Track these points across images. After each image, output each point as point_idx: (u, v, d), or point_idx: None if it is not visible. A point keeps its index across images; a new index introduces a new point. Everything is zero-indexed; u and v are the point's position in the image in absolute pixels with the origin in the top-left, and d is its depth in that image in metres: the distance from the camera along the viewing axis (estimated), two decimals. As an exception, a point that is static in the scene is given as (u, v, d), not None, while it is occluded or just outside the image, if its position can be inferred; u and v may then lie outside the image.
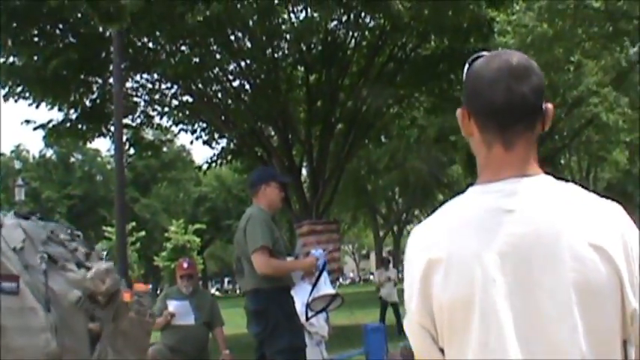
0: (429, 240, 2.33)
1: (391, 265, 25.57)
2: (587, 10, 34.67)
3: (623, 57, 41.93)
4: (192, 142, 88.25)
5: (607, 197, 2.49)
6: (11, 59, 23.83)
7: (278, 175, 8.35)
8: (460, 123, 2.47)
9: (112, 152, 32.20)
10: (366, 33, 26.25)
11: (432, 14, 23.21)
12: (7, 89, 24.10)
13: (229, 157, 29.95)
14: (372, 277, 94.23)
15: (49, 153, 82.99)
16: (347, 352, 14.92)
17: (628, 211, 2.54)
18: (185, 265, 10.72)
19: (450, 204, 2.42)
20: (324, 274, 8.01)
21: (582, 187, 2.46)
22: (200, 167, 33.39)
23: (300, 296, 8.37)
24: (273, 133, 27.97)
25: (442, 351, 2.29)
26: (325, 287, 8.15)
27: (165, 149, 63.06)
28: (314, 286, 8.06)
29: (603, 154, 51.81)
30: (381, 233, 71.31)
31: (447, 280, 2.21)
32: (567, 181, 2.39)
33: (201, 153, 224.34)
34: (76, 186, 78.44)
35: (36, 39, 23.40)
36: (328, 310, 8.72)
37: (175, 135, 39.21)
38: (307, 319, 8.39)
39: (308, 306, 8.08)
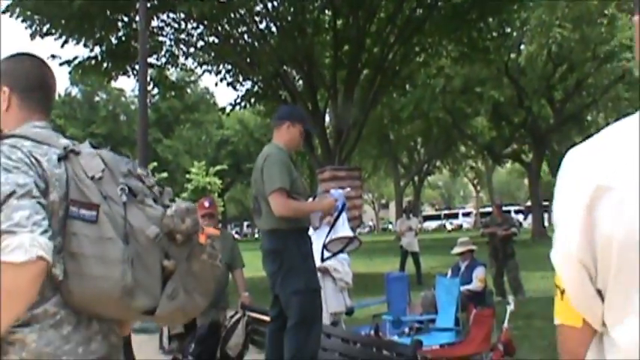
0: (594, 164, 1.99)
1: (412, 215, 25.37)
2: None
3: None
4: (216, 84, 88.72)
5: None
6: None
7: (306, 120, 8.00)
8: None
9: (137, 92, 31.97)
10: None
11: None
12: (33, 27, 23.94)
13: (253, 100, 29.88)
14: (390, 226, 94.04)
15: (75, 91, 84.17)
16: (368, 299, 14.76)
17: None
18: (206, 203, 10.45)
19: (613, 128, 2.07)
20: (343, 215, 7.80)
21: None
22: (224, 109, 33.40)
23: (320, 238, 8.23)
24: (298, 76, 27.72)
25: (599, 293, 2.01)
26: (343, 229, 7.95)
27: (188, 91, 63.59)
28: (332, 227, 7.90)
29: (632, 111, 50.95)
30: (402, 183, 70.88)
31: (621, 211, 1.89)
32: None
33: (224, 96, 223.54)
34: (100, 125, 79.18)
35: None
36: (345, 252, 8.45)
37: (199, 76, 39.23)
38: (322, 260, 8.24)
39: (325, 247, 7.92)
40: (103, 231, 2.81)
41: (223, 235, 10.68)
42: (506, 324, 9.51)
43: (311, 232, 8.24)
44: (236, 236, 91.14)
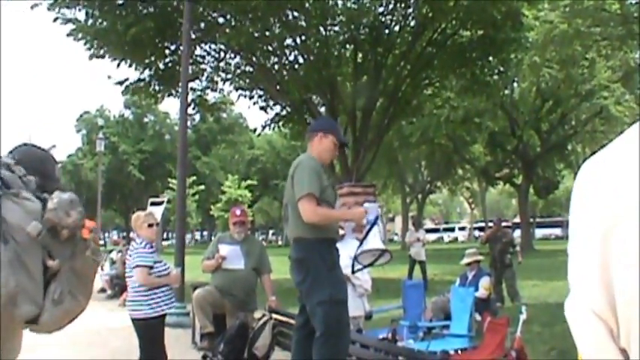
0: (610, 182, 1.26)
1: (420, 227, 25.09)
2: (604, 13, 34.15)
3: (631, 58, 41.57)
4: (249, 107, 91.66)
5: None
6: (98, 24, 23.42)
7: (339, 132, 7.18)
8: None
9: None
10: (409, 19, 25.67)
11: (471, 3, 22.76)
12: (92, 50, 23.91)
13: (281, 123, 29.57)
14: (395, 237, 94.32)
15: (127, 113, 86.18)
16: (385, 304, 14.15)
17: None
18: (238, 212, 9.96)
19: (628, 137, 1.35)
20: (375, 228, 6.81)
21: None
22: (255, 130, 34.14)
23: (348, 250, 7.37)
24: (321, 102, 27.30)
25: (624, 353, 1.18)
26: (375, 241, 6.92)
27: (224, 115, 64.20)
28: (363, 238, 6.87)
29: (607, 142, 51.10)
30: (407, 200, 71.03)
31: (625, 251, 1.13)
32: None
33: (255, 120, 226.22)
34: (147, 142, 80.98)
35: (119, 8, 23.00)
36: (375, 265, 7.41)
37: (233, 103, 39.53)
38: (353, 272, 7.33)
39: (356, 258, 6.93)
40: None
41: (252, 242, 10.26)
42: (519, 332, 8.77)
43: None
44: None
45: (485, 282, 12.50)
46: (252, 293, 9.60)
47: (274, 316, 9.12)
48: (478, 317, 10.76)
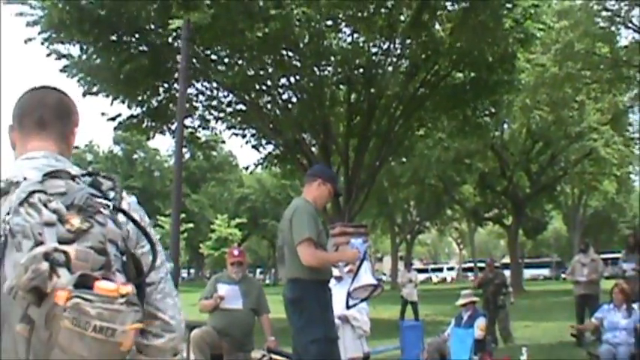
0: None
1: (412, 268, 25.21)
2: (595, 56, 34.62)
3: (620, 100, 42.06)
4: (242, 146, 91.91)
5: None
6: (91, 61, 23.49)
7: (336, 182, 7.50)
8: None
9: (170, 152, 31.56)
10: (403, 60, 25.70)
11: (466, 45, 22.91)
12: (86, 87, 23.93)
13: (274, 161, 29.75)
14: (384, 277, 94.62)
15: (117, 149, 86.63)
16: (379, 345, 14.17)
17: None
18: (236, 252, 10.05)
19: None
20: (365, 263, 7.06)
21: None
22: (247, 168, 34.39)
23: (343, 288, 7.57)
24: (314, 142, 27.38)
25: None
26: (366, 276, 7.22)
27: (214, 153, 64.48)
28: (355, 275, 7.15)
29: (595, 184, 51.56)
30: (397, 240, 70.84)
31: None
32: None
33: (245, 159, 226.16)
34: (137, 179, 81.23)
35: (113, 45, 22.97)
36: (370, 299, 7.70)
37: (224, 141, 39.65)
38: (348, 307, 7.53)
39: (349, 295, 7.18)
40: None
41: (250, 282, 10.35)
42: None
43: (333, 283, 7.88)
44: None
45: (481, 323, 12.47)
46: (250, 334, 9.58)
47: (273, 356, 9.13)
48: (475, 358, 10.83)
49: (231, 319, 9.38)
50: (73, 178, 2.22)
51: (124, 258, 2.09)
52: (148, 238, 2.33)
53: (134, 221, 2.31)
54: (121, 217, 2.22)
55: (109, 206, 2.19)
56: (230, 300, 9.48)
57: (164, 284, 2.34)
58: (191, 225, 66.49)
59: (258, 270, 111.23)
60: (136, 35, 23.33)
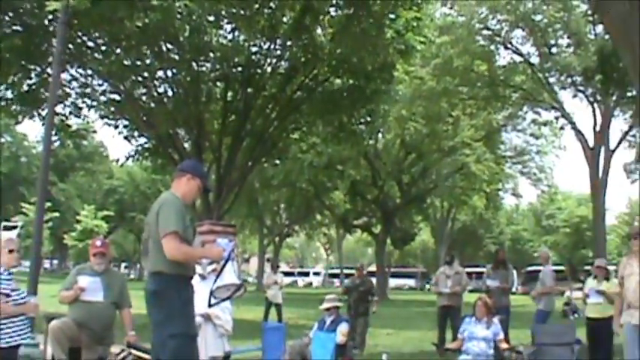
0: None
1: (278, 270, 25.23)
2: (472, 73, 35.38)
3: (494, 118, 43.11)
4: (113, 136, 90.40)
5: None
6: None
7: (205, 178, 7.45)
8: None
9: (39, 138, 30.81)
10: (282, 62, 25.77)
11: (346, 52, 23.04)
12: None
13: (146, 155, 29.22)
14: (250, 278, 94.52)
15: None
16: (240, 345, 14.08)
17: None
18: (98, 243, 9.78)
19: None
20: (230, 263, 7.13)
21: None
22: (118, 160, 33.24)
23: (207, 287, 7.53)
24: (187, 138, 27.18)
25: None
26: (230, 276, 7.51)
27: (85, 142, 63.15)
28: (219, 274, 7.20)
29: (465, 198, 52.68)
30: (265, 241, 70.89)
31: None
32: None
33: (116, 150, 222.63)
34: (2, 164, 77.89)
35: None
36: (233, 298, 7.89)
37: (95, 131, 38.91)
38: (210, 305, 7.68)
39: (212, 293, 7.24)
40: None
41: (113, 275, 10.07)
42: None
43: (198, 280, 7.81)
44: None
45: (343, 328, 12.43)
46: (110, 327, 9.37)
47: (133, 351, 8.97)
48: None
49: (91, 311, 9.14)
50: None
51: None
52: None
53: None
54: None
55: None
56: (91, 292, 9.22)
57: None
58: (56, 214, 64.25)
59: (123, 264, 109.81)
60: (10, 14, 22.37)
